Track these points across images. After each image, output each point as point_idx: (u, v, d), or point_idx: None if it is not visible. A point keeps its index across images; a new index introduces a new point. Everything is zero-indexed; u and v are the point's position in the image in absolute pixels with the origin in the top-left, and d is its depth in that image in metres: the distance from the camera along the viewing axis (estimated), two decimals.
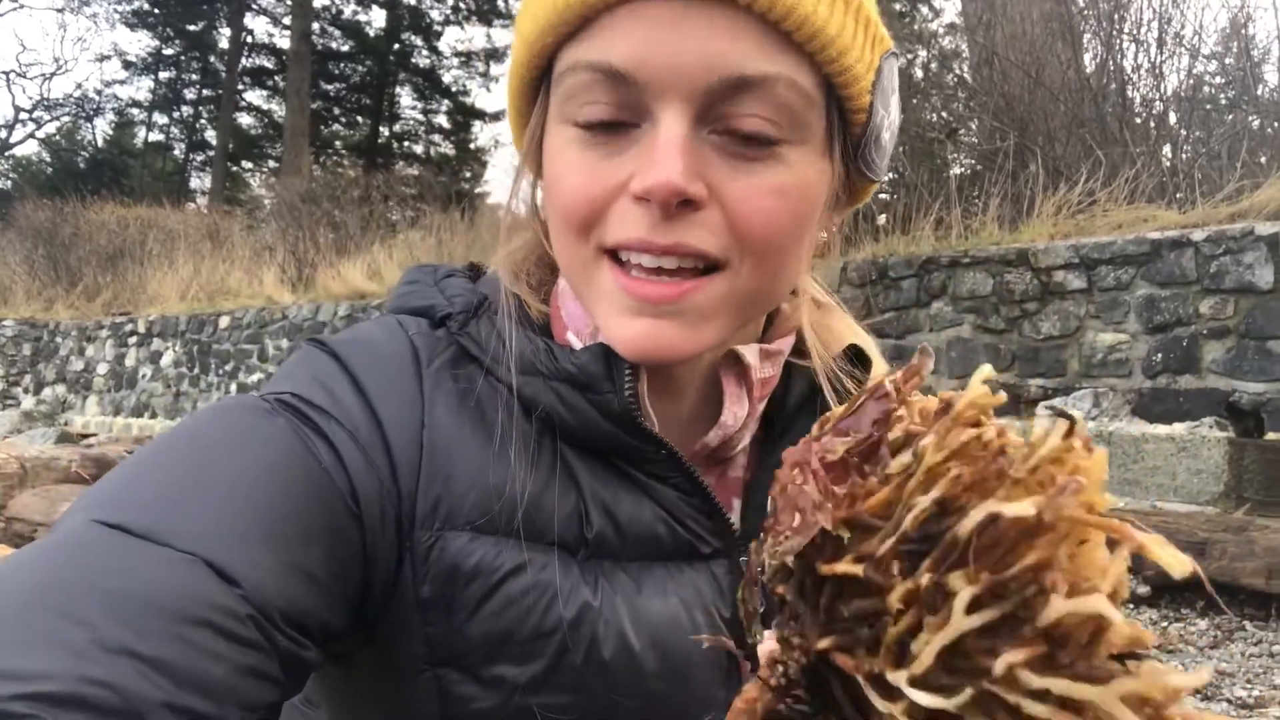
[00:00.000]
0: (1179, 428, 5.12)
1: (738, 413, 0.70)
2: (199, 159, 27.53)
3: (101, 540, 0.49)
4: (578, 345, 0.69)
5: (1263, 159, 7.62)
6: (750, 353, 0.70)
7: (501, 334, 0.68)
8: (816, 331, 0.76)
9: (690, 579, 0.67)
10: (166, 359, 10.95)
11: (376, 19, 25.35)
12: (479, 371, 0.67)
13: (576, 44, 0.62)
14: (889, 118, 0.68)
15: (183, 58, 26.36)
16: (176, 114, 27.41)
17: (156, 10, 24.76)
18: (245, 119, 26.32)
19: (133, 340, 11.36)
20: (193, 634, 0.47)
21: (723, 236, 0.61)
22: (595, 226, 0.63)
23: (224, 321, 10.42)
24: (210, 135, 26.44)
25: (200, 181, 27.36)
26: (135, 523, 0.50)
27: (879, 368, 0.77)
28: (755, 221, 0.61)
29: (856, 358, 0.76)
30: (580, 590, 0.62)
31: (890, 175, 10.85)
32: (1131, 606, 3.86)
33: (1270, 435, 4.83)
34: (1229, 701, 3.01)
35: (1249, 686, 3.11)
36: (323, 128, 25.06)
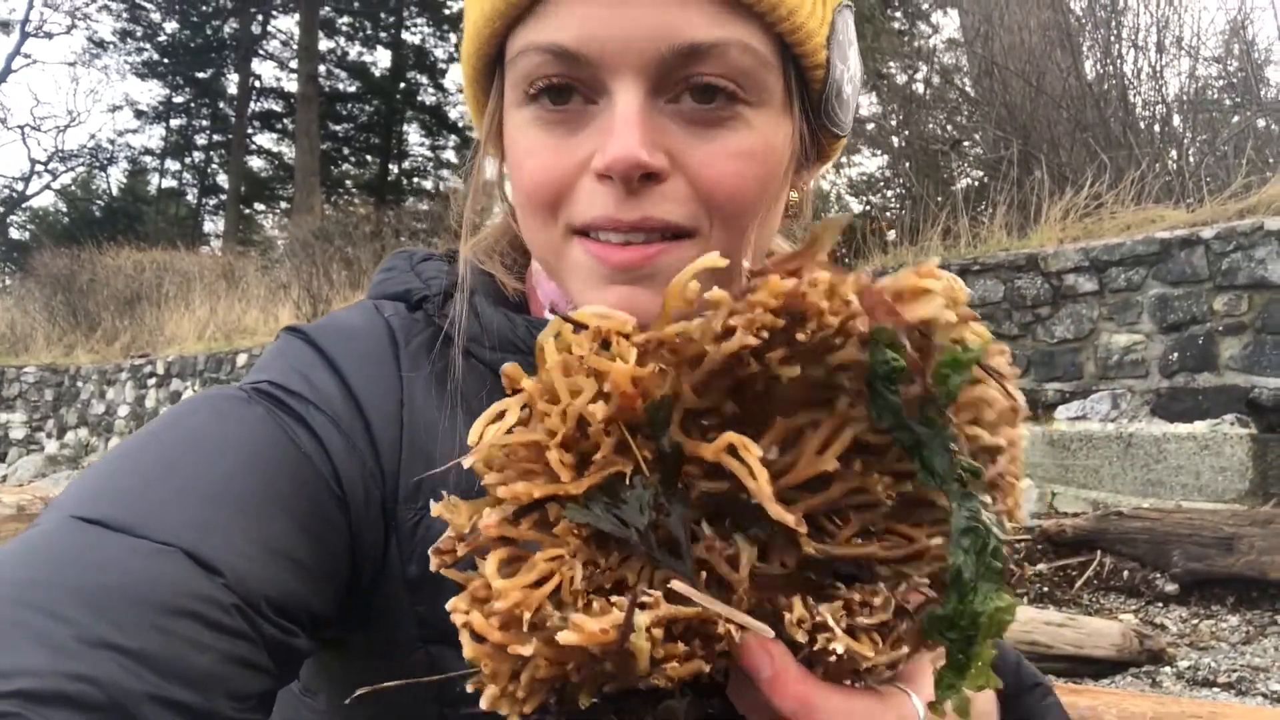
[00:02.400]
0: (1200, 426, 5.09)
1: None
2: (211, 203, 27.88)
3: (80, 535, 0.49)
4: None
5: (1270, 158, 7.60)
6: None
7: (478, 313, 0.68)
8: None
9: None
10: (186, 398, 11.03)
11: (381, 59, 25.74)
12: (457, 351, 0.67)
13: (526, 27, 0.62)
14: (848, 71, 0.68)
15: (193, 105, 26.74)
16: (188, 160, 27.78)
17: (166, 60, 25.15)
18: (256, 162, 26.68)
19: (152, 381, 11.45)
20: (175, 625, 0.46)
21: (689, 205, 0.61)
22: (561, 207, 0.63)
23: (241, 360, 10.49)
24: (222, 179, 26.78)
25: (214, 225, 27.69)
26: (113, 516, 0.50)
27: None
28: (721, 186, 0.61)
29: None
30: None
31: (897, 189, 10.88)
32: (1160, 605, 3.82)
33: None
34: (1264, 695, 2.98)
35: None
36: (333, 167, 25.33)
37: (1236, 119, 9.11)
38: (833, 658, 0.38)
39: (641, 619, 0.37)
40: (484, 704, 0.41)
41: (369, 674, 0.65)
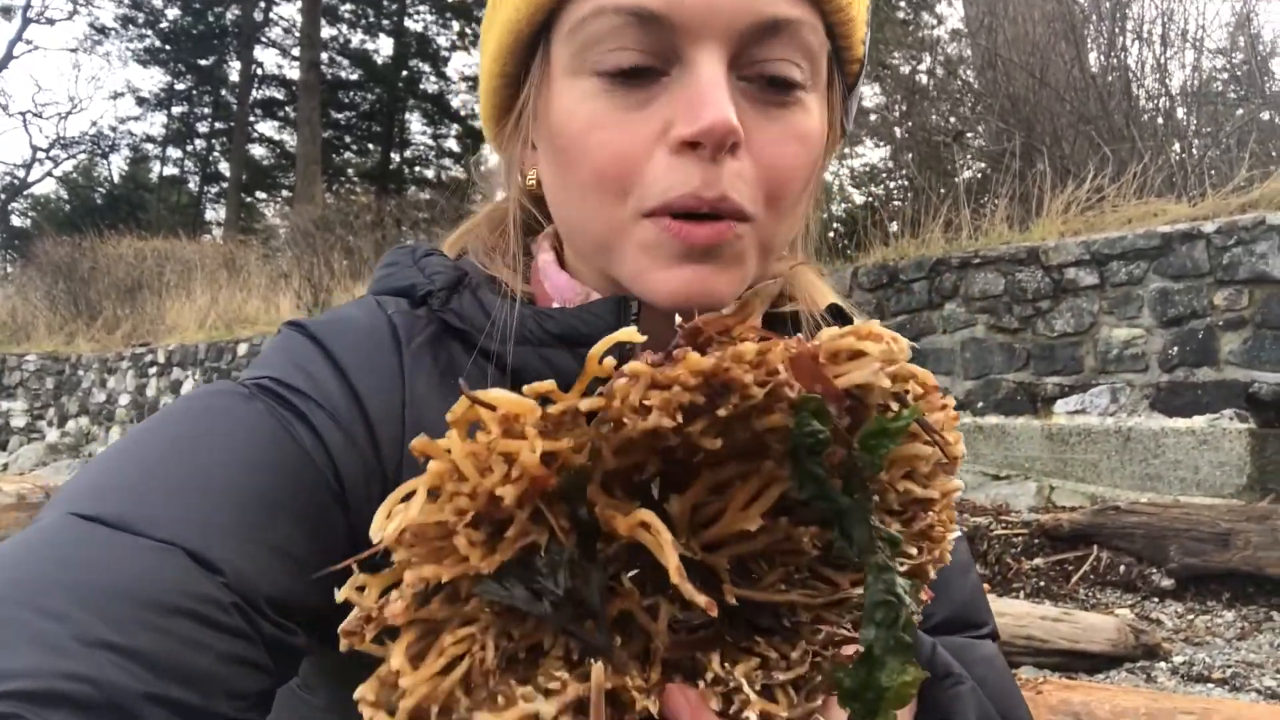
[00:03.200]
0: (1199, 421, 5.09)
1: None
2: (213, 191, 27.83)
3: (77, 533, 0.48)
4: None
5: (1273, 152, 7.58)
6: None
7: (485, 306, 0.66)
8: (801, 300, 0.76)
9: None
10: (187, 387, 11.04)
11: (384, 47, 25.66)
12: (462, 347, 0.66)
13: None
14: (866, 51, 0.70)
15: (195, 92, 26.69)
16: (190, 147, 27.73)
17: (168, 47, 25.10)
18: (258, 150, 26.62)
19: (153, 370, 11.46)
20: (173, 624, 0.46)
21: (753, 187, 0.60)
22: (632, 186, 0.60)
23: (242, 349, 10.49)
24: (224, 167, 26.72)
25: (215, 213, 27.65)
26: (111, 514, 0.49)
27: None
28: (779, 169, 0.61)
29: (835, 316, 0.74)
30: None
31: (899, 181, 10.85)
32: (1156, 600, 3.83)
33: None
34: (1258, 691, 2.99)
35: (1278, 676, 3.08)
36: (334, 156, 25.27)
37: (1240, 112, 9.08)
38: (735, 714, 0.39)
39: (548, 709, 0.36)
40: None
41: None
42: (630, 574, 0.40)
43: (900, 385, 0.40)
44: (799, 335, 0.45)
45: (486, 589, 0.38)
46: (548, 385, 0.38)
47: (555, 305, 0.69)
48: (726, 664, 0.40)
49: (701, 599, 0.37)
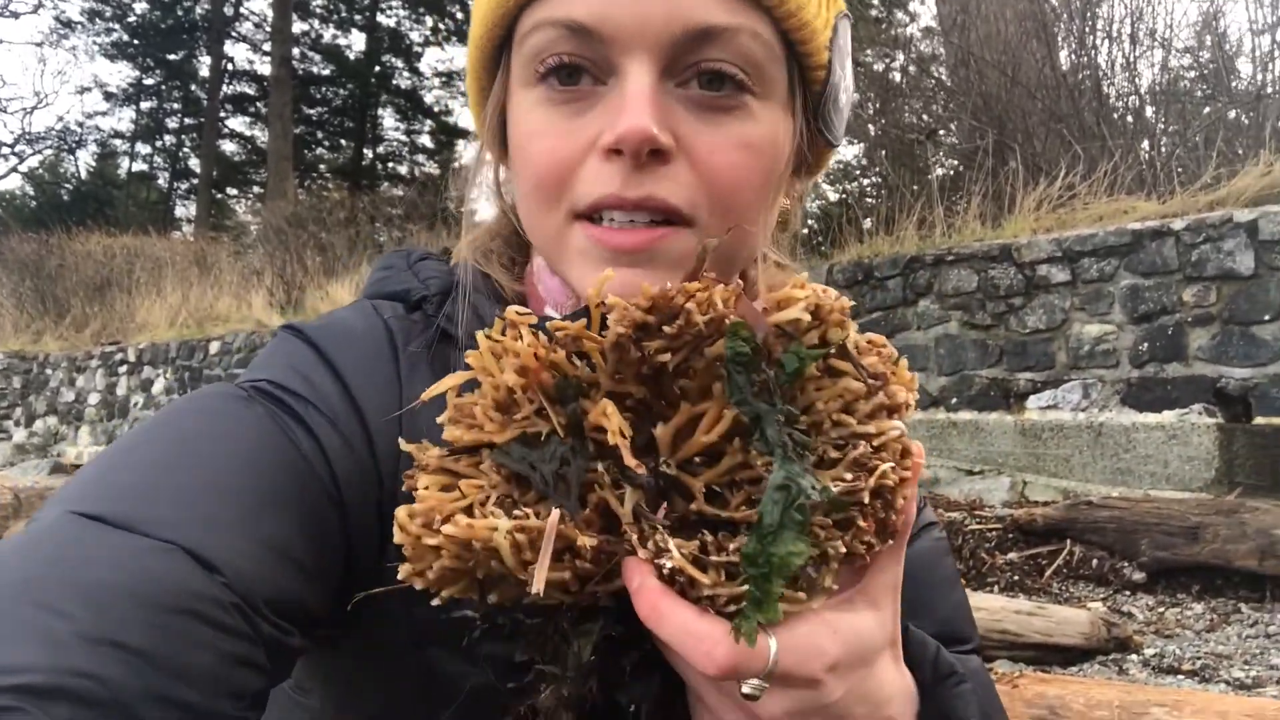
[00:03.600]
0: (1168, 416, 5.16)
1: None
2: (183, 187, 27.50)
3: (80, 531, 0.49)
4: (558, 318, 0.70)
5: (1239, 149, 7.69)
6: None
7: (478, 311, 0.68)
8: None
9: None
10: (158, 386, 10.91)
11: (356, 42, 25.47)
12: (456, 352, 0.67)
13: (538, 5, 0.62)
14: (845, 80, 0.69)
15: (163, 87, 26.36)
16: (159, 143, 27.40)
17: (136, 41, 24.77)
18: (228, 146, 26.36)
19: (123, 369, 11.32)
20: (175, 623, 0.46)
21: (691, 190, 0.61)
22: (566, 190, 0.63)
23: (214, 347, 10.38)
24: (194, 163, 26.43)
25: (185, 209, 27.35)
26: (113, 513, 0.50)
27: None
28: (723, 174, 0.62)
29: None
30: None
31: (873, 178, 10.91)
32: (1128, 593, 3.88)
33: (1258, 420, 4.87)
34: (1227, 683, 3.03)
35: (1246, 668, 3.13)
36: (306, 152, 25.09)
37: (1207, 110, 9.20)
38: (670, 577, 0.47)
39: (504, 523, 0.47)
40: (400, 575, 0.50)
41: (362, 673, 0.65)
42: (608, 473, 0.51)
43: (828, 328, 0.50)
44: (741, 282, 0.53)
45: (498, 455, 0.51)
46: (531, 315, 0.52)
47: (548, 308, 0.71)
48: (672, 539, 0.48)
49: (633, 461, 0.48)
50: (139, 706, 0.43)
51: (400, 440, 0.54)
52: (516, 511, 0.48)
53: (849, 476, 0.49)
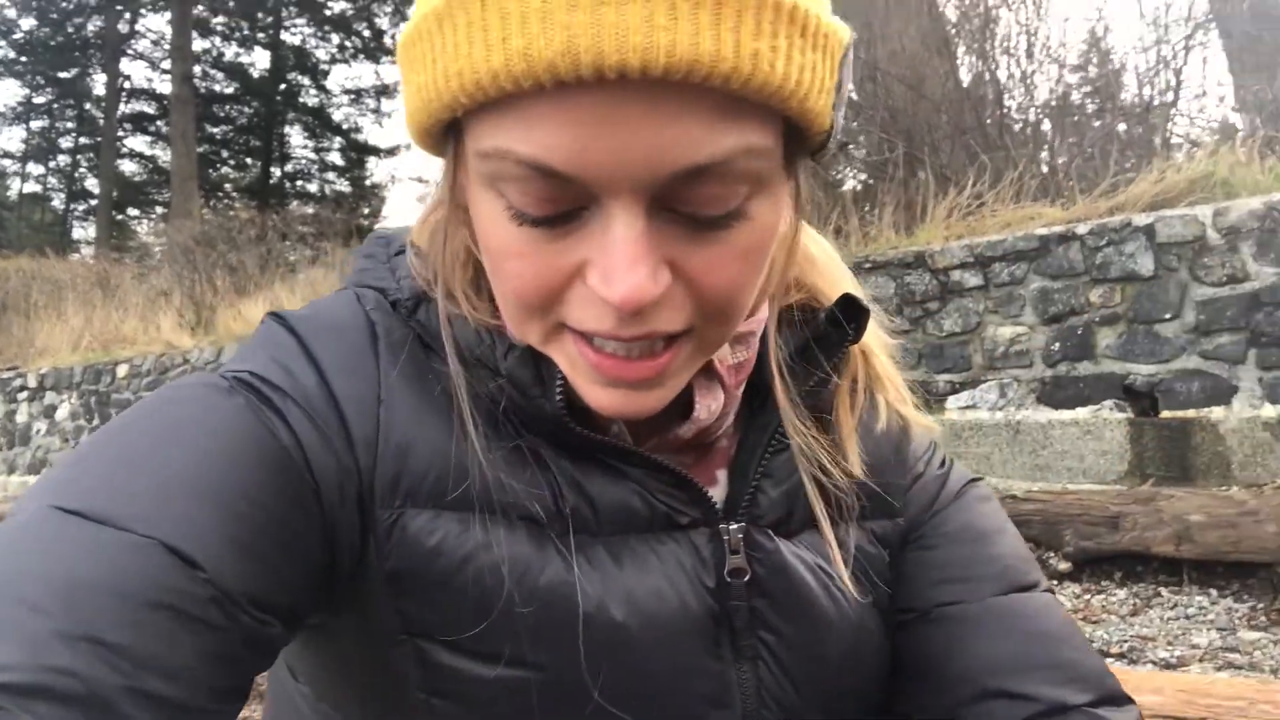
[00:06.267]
0: (1082, 412, 5.37)
1: (711, 406, 0.68)
2: (80, 208, 26.43)
3: (58, 526, 0.48)
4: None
5: (1130, 160, 8.06)
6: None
7: (452, 325, 0.65)
8: (812, 291, 0.75)
9: (671, 550, 0.65)
10: (62, 412, 10.41)
11: (260, 60, 24.94)
12: (434, 354, 0.66)
13: (495, 120, 0.52)
14: (844, 103, 0.59)
15: (56, 106, 25.31)
16: (53, 163, 26.29)
17: (24, 58, 23.73)
18: (129, 166, 25.41)
19: (23, 395, 10.77)
20: (154, 618, 0.46)
21: (687, 310, 0.56)
22: (553, 307, 0.57)
23: (122, 370, 9.96)
24: (91, 184, 25.44)
25: (84, 231, 26.24)
26: (92, 507, 0.49)
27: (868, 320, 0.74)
28: (721, 290, 0.56)
29: (845, 307, 0.72)
30: (553, 564, 0.61)
31: None
32: (1055, 582, 4.02)
33: (1165, 414, 5.10)
34: (1154, 663, 3.16)
35: (1170, 648, 3.27)
36: (211, 171, 24.37)
37: (1098, 123, 9.63)
38: None
39: None
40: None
41: (352, 660, 0.64)
42: None
43: None
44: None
45: None
46: None
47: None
48: None
49: None
50: (119, 702, 0.43)
51: (379, 437, 0.53)
52: None
53: None
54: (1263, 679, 2.41)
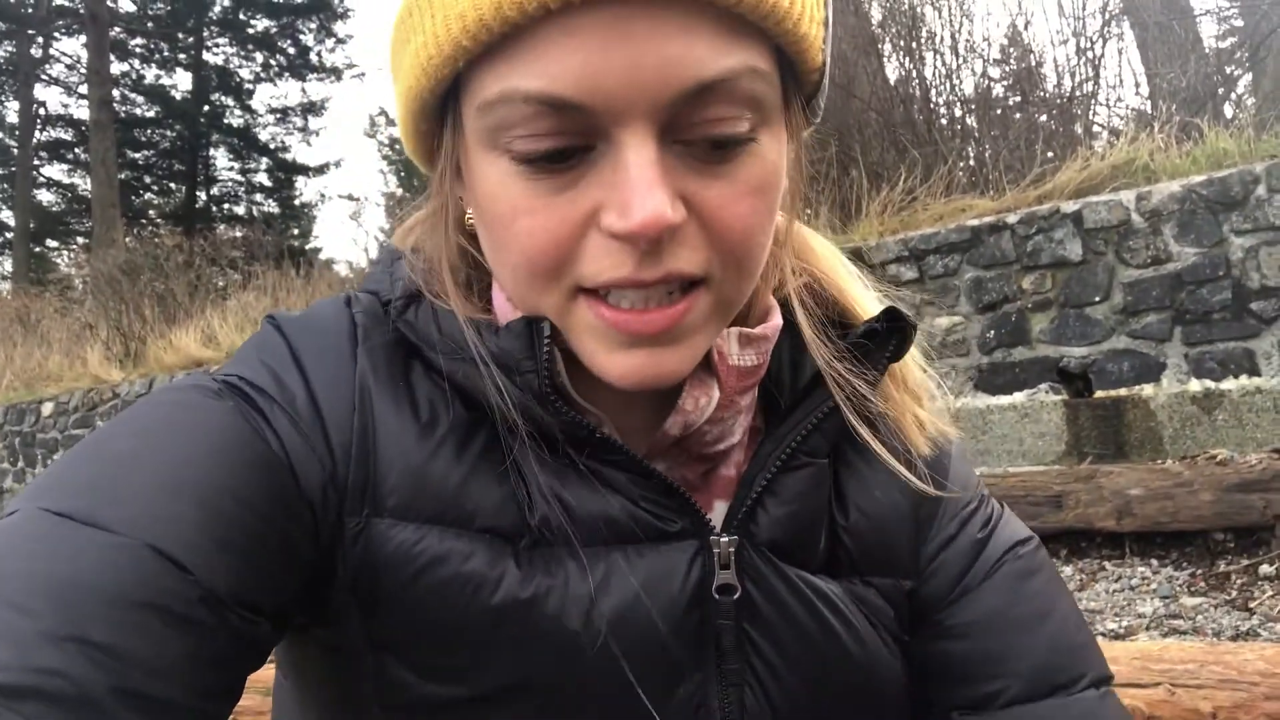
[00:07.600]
0: (1019, 396, 5.48)
1: (700, 399, 0.64)
2: None
3: (47, 528, 0.49)
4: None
5: (1051, 151, 8.27)
6: (726, 339, 0.65)
7: (438, 320, 0.64)
8: (829, 307, 0.73)
9: (653, 560, 0.62)
10: None
11: (182, 82, 24.39)
12: (416, 357, 0.65)
13: (498, 66, 0.53)
14: (830, 41, 0.62)
15: None
16: None
17: None
18: (46, 195, 24.64)
19: None
20: (142, 619, 0.47)
21: (705, 251, 0.56)
22: (566, 268, 0.56)
23: (47, 409, 9.65)
24: (6, 215, 24.63)
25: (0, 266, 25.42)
26: (80, 509, 0.50)
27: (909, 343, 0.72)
28: (736, 228, 0.56)
29: (892, 319, 0.70)
30: (515, 578, 0.60)
31: None
32: None
33: (1099, 394, 5.24)
34: (1101, 634, 3.23)
35: (1118, 619, 3.34)
36: (134, 197, 23.75)
37: (1019, 116, 9.87)
38: None
39: None
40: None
41: (328, 664, 0.63)
42: None
43: None
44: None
45: None
46: None
47: (502, 324, 0.65)
48: None
49: None
50: (108, 703, 0.44)
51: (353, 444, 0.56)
52: None
53: None
54: (1210, 642, 2.48)
